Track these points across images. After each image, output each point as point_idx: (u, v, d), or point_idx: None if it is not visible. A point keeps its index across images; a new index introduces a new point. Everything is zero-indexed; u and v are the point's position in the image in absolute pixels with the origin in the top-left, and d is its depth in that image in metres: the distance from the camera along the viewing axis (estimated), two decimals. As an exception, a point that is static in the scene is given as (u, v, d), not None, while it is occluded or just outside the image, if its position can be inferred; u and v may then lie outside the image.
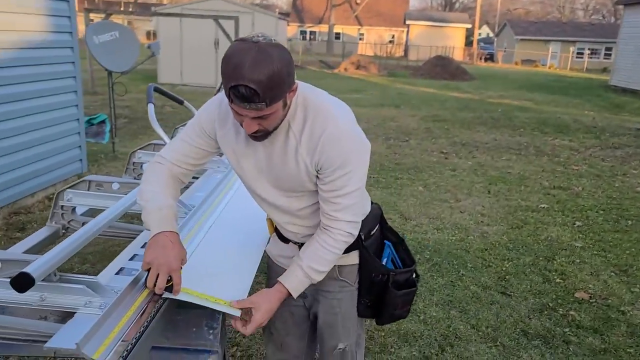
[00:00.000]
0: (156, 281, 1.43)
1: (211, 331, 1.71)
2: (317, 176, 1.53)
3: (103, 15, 9.29)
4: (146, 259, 1.44)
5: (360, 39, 48.80)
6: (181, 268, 1.49)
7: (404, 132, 9.67)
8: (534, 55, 41.17)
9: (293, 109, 1.49)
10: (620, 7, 22.27)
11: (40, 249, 1.90)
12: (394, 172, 6.72)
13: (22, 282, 1.24)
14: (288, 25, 29.73)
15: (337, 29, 47.99)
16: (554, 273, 4.04)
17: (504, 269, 4.08)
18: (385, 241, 1.85)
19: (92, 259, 3.87)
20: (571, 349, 3.05)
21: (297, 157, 1.51)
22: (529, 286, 3.81)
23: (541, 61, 40.50)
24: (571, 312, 3.44)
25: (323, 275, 1.63)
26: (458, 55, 40.19)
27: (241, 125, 1.42)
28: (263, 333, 2.02)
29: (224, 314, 1.68)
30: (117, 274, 1.58)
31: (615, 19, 54.64)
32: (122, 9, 36.47)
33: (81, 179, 2.10)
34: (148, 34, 44.26)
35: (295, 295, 1.62)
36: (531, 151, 8.45)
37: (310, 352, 2.05)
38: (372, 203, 1.81)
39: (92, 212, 2.07)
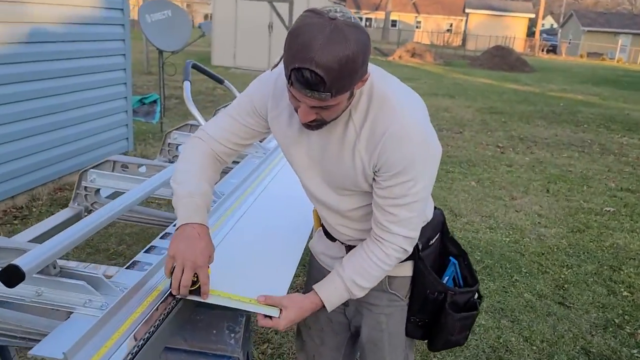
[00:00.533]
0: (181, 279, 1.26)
1: (233, 335, 1.54)
2: (374, 177, 1.31)
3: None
4: (170, 252, 1.26)
5: (417, 27, 47.74)
6: (209, 266, 1.31)
7: (458, 124, 9.25)
8: (601, 48, 39.08)
9: (357, 97, 1.26)
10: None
11: (59, 232, 1.76)
12: (445, 165, 6.38)
13: (11, 276, 1.08)
14: (343, 10, 29.18)
15: (394, 16, 47.10)
16: (620, 285, 3.67)
17: (562, 276, 3.74)
18: (450, 257, 1.60)
19: (130, 240, 3.80)
20: (639, 373, 2.72)
21: (354, 153, 1.29)
22: (591, 298, 3.46)
23: (609, 54, 38.40)
24: None
25: (365, 292, 1.41)
26: (519, 46, 38.68)
27: (296, 111, 1.21)
28: (296, 338, 1.82)
29: (247, 316, 1.49)
30: (128, 267, 1.41)
31: (694, 12, 51.19)
32: (181, -9, 36.98)
33: (105, 159, 1.95)
34: (206, 16, 44.84)
35: (330, 308, 1.41)
36: (595, 149, 7.89)
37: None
38: (434, 208, 1.58)
39: (117, 195, 1.92)
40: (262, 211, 1.96)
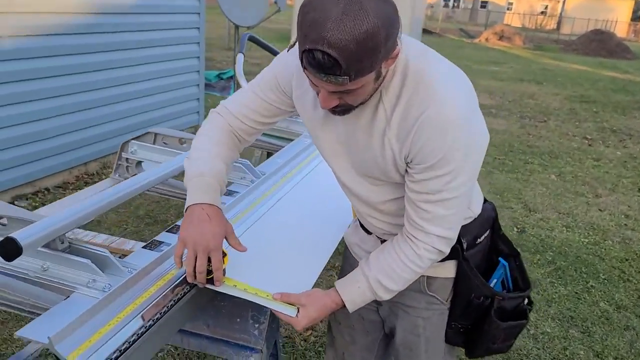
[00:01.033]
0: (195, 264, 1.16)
1: (257, 325, 1.44)
2: (406, 168, 1.14)
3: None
4: (180, 236, 1.17)
5: (508, 8, 45.34)
6: (226, 254, 1.21)
7: (543, 112, 8.63)
8: None
9: (389, 76, 1.08)
10: None
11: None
12: (523, 155, 5.95)
13: (8, 250, 1.02)
14: (430, -10, 28.31)
15: (484, -4, 45.01)
16: None
17: (647, 287, 3.35)
18: (500, 259, 1.40)
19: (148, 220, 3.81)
20: None
21: (383, 140, 1.13)
22: (679, 314, 3.07)
23: None
24: None
25: (392, 295, 1.25)
26: (621, 30, 35.73)
27: (317, 95, 1.07)
28: (327, 331, 1.69)
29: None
30: (145, 247, 1.33)
31: None
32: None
33: (147, 131, 1.89)
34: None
35: (352, 309, 1.26)
36: (701, 147, 7.08)
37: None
38: (484, 202, 1.38)
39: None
40: (304, 195, 1.83)
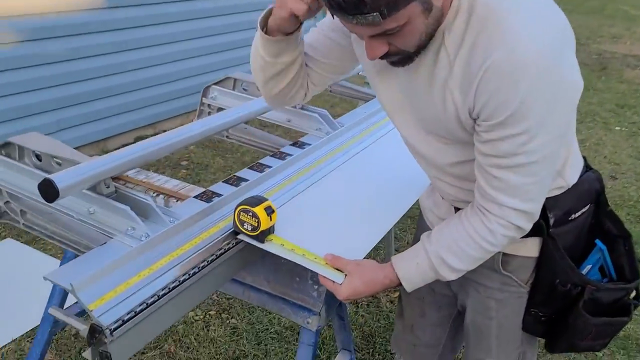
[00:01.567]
0: None
1: (316, 287, 1.35)
2: (473, 126, 0.94)
3: None
4: None
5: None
6: (274, 211, 1.12)
7: None
8: None
9: (453, 13, 0.88)
10: None
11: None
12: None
13: (47, 191, 1.01)
14: None
15: None
16: None
17: None
18: (597, 241, 1.15)
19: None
20: None
21: (444, 92, 0.93)
22: None
23: None
24: None
25: (459, 275, 1.07)
26: None
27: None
28: (397, 302, 1.56)
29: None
30: (197, 197, 1.28)
31: None
32: None
33: (226, 76, 1.83)
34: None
35: (409, 289, 1.11)
36: None
37: (454, 346, 1.53)
38: (585, 169, 1.13)
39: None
40: (383, 152, 1.67)
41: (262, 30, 1.04)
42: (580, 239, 1.15)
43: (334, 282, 1.10)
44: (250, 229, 1.14)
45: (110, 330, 0.90)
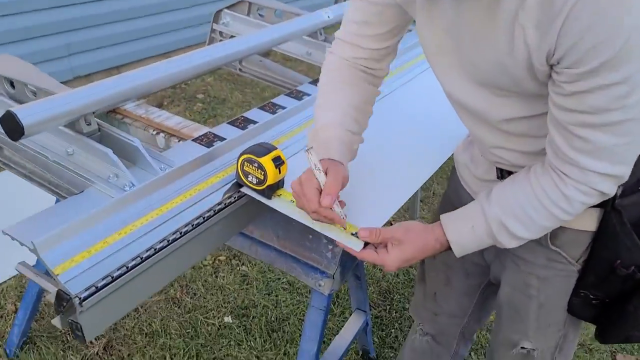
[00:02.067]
0: None
1: (330, 247, 1.19)
2: (550, 74, 0.73)
3: None
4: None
5: None
6: (284, 162, 0.95)
7: None
8: None
9: None
10: None
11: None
12: None
13: (10, 127, 0.84)
14: None
15: None
16: None
17: None
18: None
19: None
20: None
21: (513, 30, 0.71)
22: None
23: None
24: None
25: (519, 243, 0.88)
26: None
27: None
28: (418, 264, 1.39)
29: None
30: (196, 140, 1.10)
31: None
32: None
33: (241, -1, 1.60)
34: None
35: (459, 254, 0.92)
36: None
37: (481, 317, 1.37)
38: None
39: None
40: (416, 94, 1.45)
41: None
42: None
43: (377, 250, 0.92)
44: (255, 182, 0.96)
45: (79, 299, 0.75)
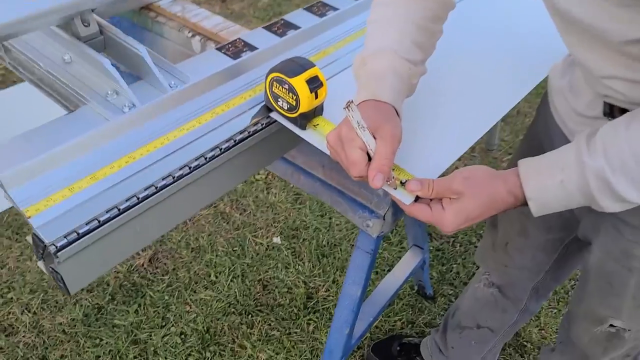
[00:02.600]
0: None
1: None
2: None
3: None
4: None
5: None
6: (323, 84, 0.74)
7: None
8: None
9: None
10: None
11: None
12: None
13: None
14: None
15: None
16: None
17: None
18: None
19: None
20: None
21: None
22: None
23: None
24: None
25: (623, 208, 0.64)
26: None
27: None
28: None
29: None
30: (220, 48, 0.89)
31: None
32: None
33: None
34: None
35: (538, 214, 0.68)
36: None
37: (559, 275, 1.16)
38: None
39: None
40: (498, 21, 1.15)
41: None
42: None
43: (430, 205, 0.71)
44: (286, 108, 0.77)
45: (55, 247, 0.62)
